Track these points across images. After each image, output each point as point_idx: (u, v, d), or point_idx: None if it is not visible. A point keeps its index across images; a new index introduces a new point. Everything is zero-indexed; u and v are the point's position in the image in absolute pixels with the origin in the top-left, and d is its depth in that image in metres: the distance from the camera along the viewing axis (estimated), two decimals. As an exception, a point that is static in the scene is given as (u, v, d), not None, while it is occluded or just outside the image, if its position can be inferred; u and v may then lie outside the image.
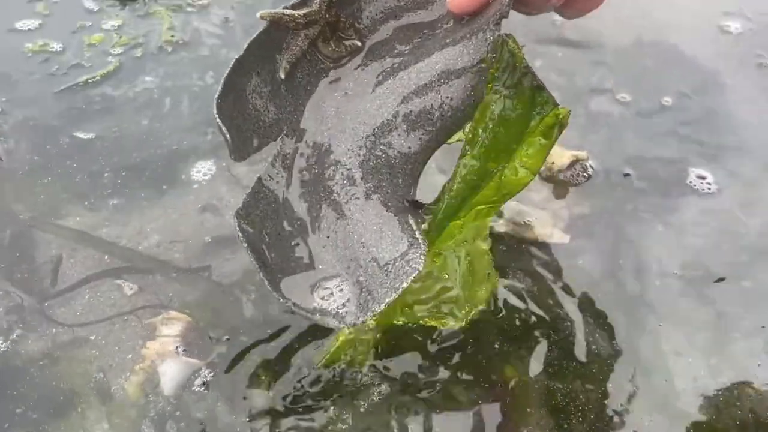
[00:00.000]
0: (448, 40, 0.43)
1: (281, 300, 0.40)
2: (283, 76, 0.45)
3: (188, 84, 0.68)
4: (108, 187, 0.58)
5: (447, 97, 0.42)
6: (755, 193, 0.60)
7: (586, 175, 0.59)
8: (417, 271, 0.38)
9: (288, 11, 0.44)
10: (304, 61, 0.46)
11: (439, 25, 0.45)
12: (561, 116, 0.42)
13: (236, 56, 0.44)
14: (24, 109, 0.64)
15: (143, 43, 0.71)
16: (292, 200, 0.44)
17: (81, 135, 0.62)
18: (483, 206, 0.45)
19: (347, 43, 0.46)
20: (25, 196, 0.58)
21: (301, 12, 0.44)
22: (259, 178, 0.44)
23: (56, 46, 0.70)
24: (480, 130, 0.42)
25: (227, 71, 0.43)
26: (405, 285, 0.38)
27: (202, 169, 0.60)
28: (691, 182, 0.60)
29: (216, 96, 0.43)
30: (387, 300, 0.38)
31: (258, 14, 0.44)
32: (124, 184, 0.59)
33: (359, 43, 0.46)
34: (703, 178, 0.61)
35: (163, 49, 0.71)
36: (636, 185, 0.60)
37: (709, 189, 0.60)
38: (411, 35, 0.46)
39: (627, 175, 0.60)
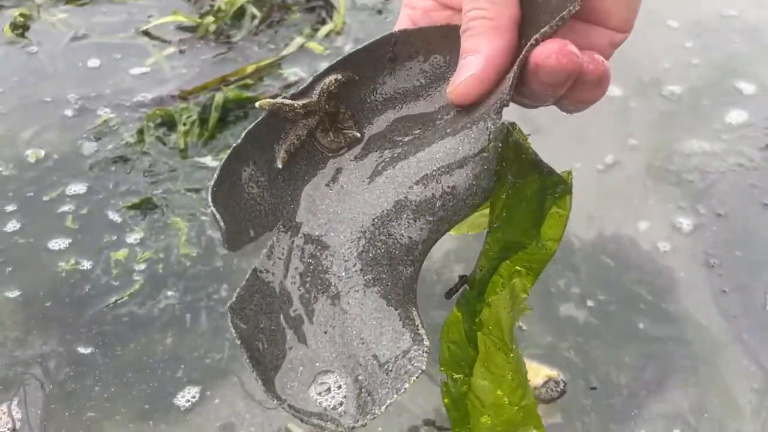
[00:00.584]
0: (448, 130, 0.43)
1: (276, 401, 0.39)
2: (280, 166, 0.45)
3: (205, 297, 0.76)
4: (144, 401, 0.66)
5: (448, 187, 0.41)
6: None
7: (559, 390, 0.67)
8: (420, 371, 0.37)
9: (287, 101, 0.44)
10: (302, 151, 0.46)
11: (440, 115, 0.45)
12: (569, 183, 0.42)
13: (234, 144, 0.44)
14: (59, 339, 0.72)
15: (164, 257, 0.79)
16: (288, 293, 0.43)
17: (110, 360, 0.70)
18: (519, 268, 0.46)
19: (347, 133, 0.46)
20: None
21: (301, 102, 0.45)
22: (254, 270, 0.43)
23: (86, 264, 0.78)
24: (495, 216, 0.43)
25: (224, 159, 0.44)
26: (407, 386, 0.37)
27: (211, 393, 0.68)
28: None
29: (211, 184, 0.43)
30: (388, 402, 0.37)
31: (257, 103, 0.44)
32: (153, 398, 0.66)
33: (358, 135, 0.46)
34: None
35: (181, 262, 0.79)
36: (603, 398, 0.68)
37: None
38: (411, 126, 0.46)
39: (593, 388, 0.68)
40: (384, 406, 0.37)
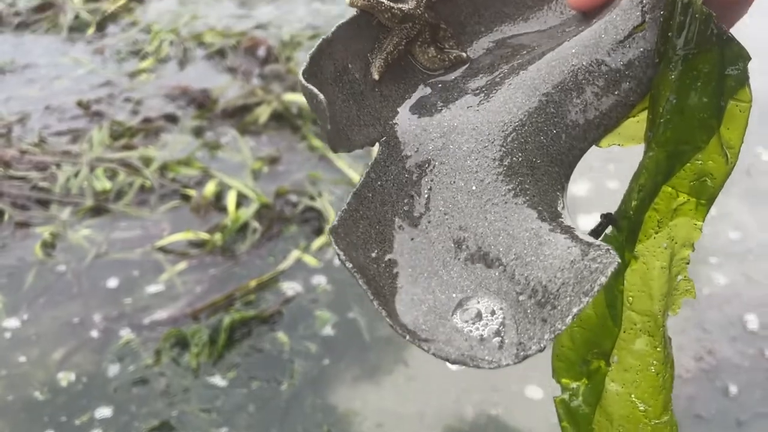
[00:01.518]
0: (580, 28, 0.38)
1: (407, 337, 0.31)
2: (377, 77, 0.38)
3: None
4: None
5: (594, 86, 0.36)
6: None
7: None
8: (616, 263, 0.29)
9: (385, 1, 0.38)
10: (398, 67, 0.39)
11: (557, 32, 0.40)
12: (746, 61, 0.34)
13: (323, 37, 0.37)
14: None
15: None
16: (403, 218, 0.36)
17: None
18: (684, 199, 0.36)
19: (449, 52, 0.40)
20: None
21: (398, 5, 0.38)
22: (356, 194, 0.36)
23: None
24: (660, 109, 0.34)
25: (312, 51, 0.36)
26: (601, 282, 0.29)
27: None
28: None
29: (301, 71, 0.35)
30: (574, 310, 0.29)
31: (348, 1, 0.37)
32: None
33: (464, 55, 0.40)
34: None
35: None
36: None
37: None
38: (524, 45, 0.40)
39: None
40: (570, 317, 0.29)
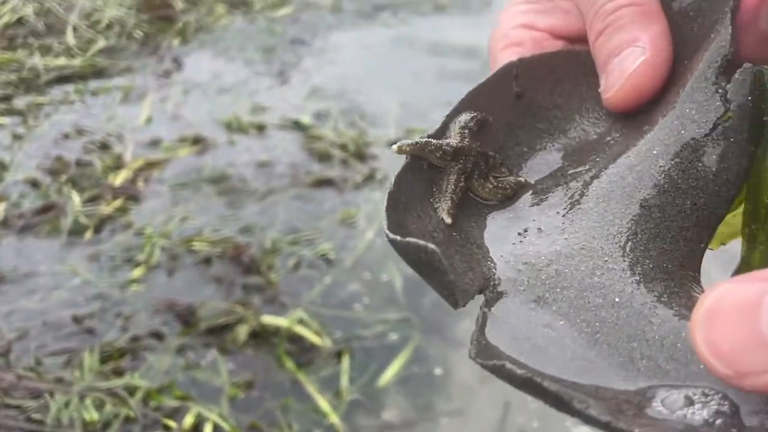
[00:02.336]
0: (644, 128, 0.35)
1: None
2: (449, 221, 0.35)
3: None
4: None
5: (692, 185, 0.33)
6: None
7: None
8: None
9: (433, 141, 0.36)
10: (464, 205, 0.37)
11: (605, 138, 0.38)
12: None
13: (388, 190, 0.35)
14: None
15: None
16: (547, 350, 0.31)
17: None
18: None
19: (508, 180, 0.38)
20: None
21: (447, 141, 0.37)
22: (485, 314, 0.32)
23: None
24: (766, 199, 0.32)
25: (386, 204, 0.34)
26: None
27: None
28: None
29: (386, 228, 0.33)
30: None
31: (394, 147, 0.36)
32: None
33: (523, 180, 0.38)
34: None
35: None
36: None
37: None
38: (577, 158, 0.38)
39: None
40: None
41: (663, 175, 0.34)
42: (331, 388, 1.53)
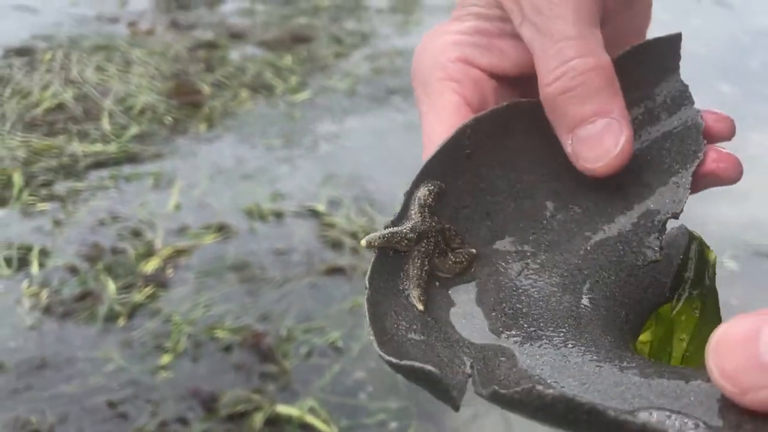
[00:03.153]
0: (591, 208, 0.40)
1: None
2: (421, 308, 0.37)
3: None
4: None
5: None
6: None
7: None
8: None
9: (395, 230, 0.38)
10: (428, 285, 0.38)
11: (554, 207, 0.41)
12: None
13: (366, 296, 0.37)
14: None
15: None
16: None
17: None
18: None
19: (464, 252, 0.39)
20: None
21: (408, 226, 0.38)
22: (496, 393, 0.31)
23: None
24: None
25: (367, 316, 0.36)
26: None
27: None
28: None
29: (376, 347, 0.34)
30: None
31: (363, 242, 0.38)
32: None
33: (473, 251, 0.40)
34: None
35: None
36: None
37: None
38: (525, 227, 0.41)
39: None
40: None
41: (606, 286, 0.38)
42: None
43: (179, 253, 2.49)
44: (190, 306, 2.27)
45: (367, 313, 0.36)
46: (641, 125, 0.42)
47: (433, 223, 0.39)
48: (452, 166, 0.41)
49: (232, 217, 2.65)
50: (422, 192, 0.40)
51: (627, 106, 0.38)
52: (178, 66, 3.73)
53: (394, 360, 0.33)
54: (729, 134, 0.40)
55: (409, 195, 0.40)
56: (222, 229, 2.59)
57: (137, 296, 2.30)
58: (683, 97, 0.41)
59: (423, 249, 0.38)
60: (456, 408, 0.33)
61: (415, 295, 0.38)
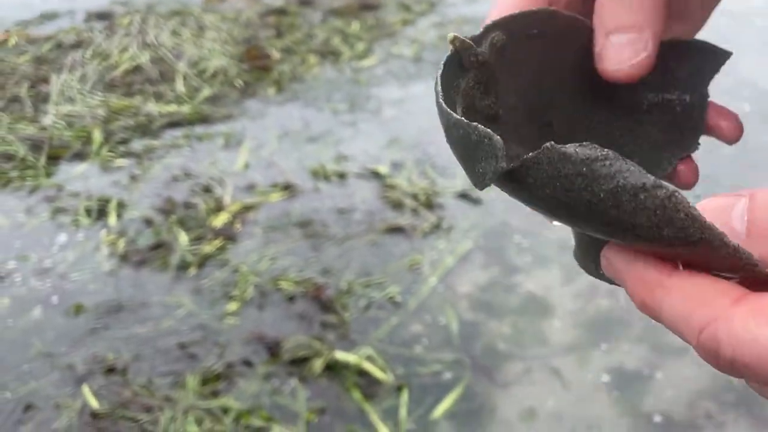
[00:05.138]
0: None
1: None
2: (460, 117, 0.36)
3: None
4: None
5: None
6: None
7: None
8: None
9: (474, 47, 0.38)
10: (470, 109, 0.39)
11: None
12: None
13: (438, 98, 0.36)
14: None
15: None
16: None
17: None
18: None
19: (497, 103, 0.40)
20: None
21: (480, 50, 0.39)
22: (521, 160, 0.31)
23: None
24: None
25: (437, 86, 0.36)
26: None
27: None
28: None
29: (440, 99, 0.35)
30: None
31: (449, 36, 0.38)
32: None
33: (500, 111, 0.40)
34: None
35: None
36: None
37: None
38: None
39: None
40: None
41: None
42: (391, 418, 1.80)
43: (247, 209, 2.60)
44: (257, 258, 2.38)
45: (437, 81, 0.37)
46: (652, 106, 0.45)
47: (491, 63, 0.40)
48: (518, 35, 0.41)
49: (297, 177, 2.75)
50: (497, 35, 0.40)
51: (650, 89, 0.44)
52: (249, 31, 3.84)
53: (457, 115, 0.33)
54: (736, 134, 0.45)
55: (486, 31, 0.40)
56: (288, 188, 2.69)
57: (207, 248, 2.42)
58: (702, 105, 0.44)
59: (477, 75, 0.39)
60: (483, 182, 0.32)
61: (459, 107, 0.39)
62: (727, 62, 0.46)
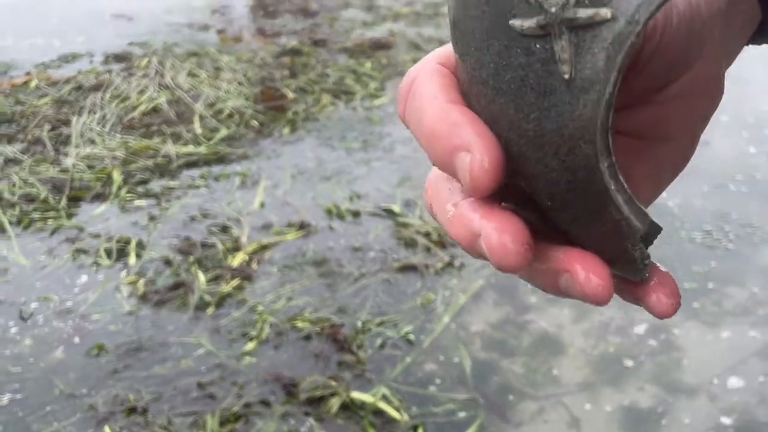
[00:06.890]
0: None
1: None
2: None
3: None
4: None
5: None
6: None
7: None
8: None
9: None
10: None
11: None
12: None
13: None
14: None
15: None
16: None
17: None
18: None
19: None
20: None
21: None
22: None
23: None
24: None
25: None
26: None
27: None
28: None
29: None
30: None
31: None
32: None
33: None
34: None
35: None
36: None
37: None
38: None
39: None
40: None
41: None
42: None
43: (263, 248, 2.65)
44: (273, 297, 2.43)
45: None
46: None
47: None
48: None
49: (312, 216, 2.81)
50: None
51: None
52: (264, 72, 3.93)
53: None
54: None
55: None
56: (303, 227, 2.74)
57: (225, 287, 2.47)
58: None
59: None
60: None
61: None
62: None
